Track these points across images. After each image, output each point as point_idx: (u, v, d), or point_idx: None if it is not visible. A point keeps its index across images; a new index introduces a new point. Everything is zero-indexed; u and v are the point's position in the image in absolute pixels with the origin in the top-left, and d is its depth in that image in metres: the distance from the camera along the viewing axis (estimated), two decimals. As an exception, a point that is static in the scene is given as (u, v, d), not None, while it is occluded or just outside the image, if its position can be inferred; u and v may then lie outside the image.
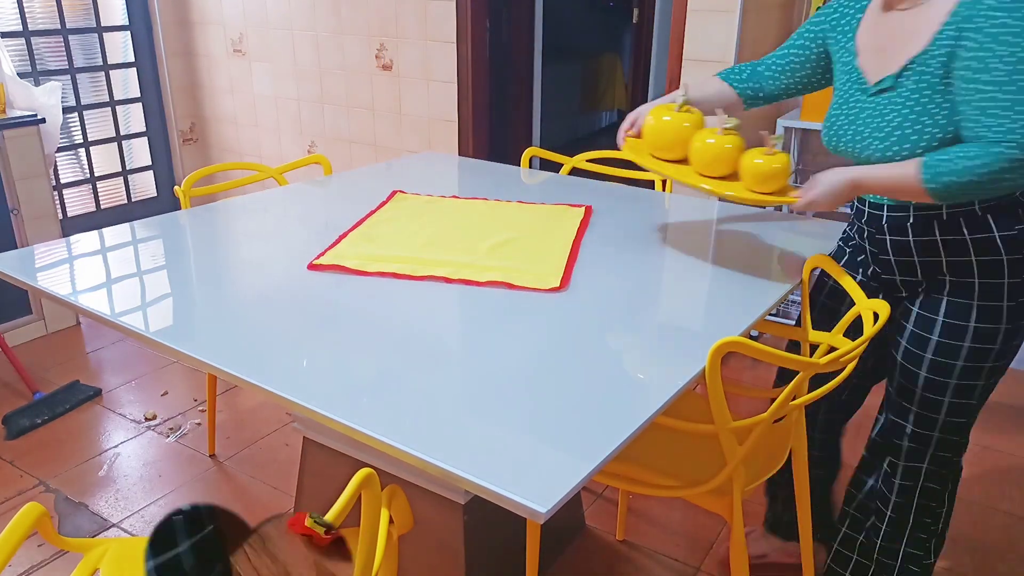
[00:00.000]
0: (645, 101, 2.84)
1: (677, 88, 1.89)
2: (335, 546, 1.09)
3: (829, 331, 1.55)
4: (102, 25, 3.93)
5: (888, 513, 1.64)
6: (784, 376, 1.79)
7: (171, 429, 2.63)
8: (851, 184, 1.39)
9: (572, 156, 2.48)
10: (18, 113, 3.08)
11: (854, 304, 1.47)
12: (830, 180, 1.40)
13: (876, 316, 1.34)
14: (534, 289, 1.51)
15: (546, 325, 1.40)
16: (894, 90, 1.37)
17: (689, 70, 2.70)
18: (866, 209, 1.51)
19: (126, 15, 4.02)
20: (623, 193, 2.19)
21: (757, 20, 2.72)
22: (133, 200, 4.27)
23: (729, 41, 2.60)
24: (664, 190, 2.33)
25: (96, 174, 4.08)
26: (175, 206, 2.36)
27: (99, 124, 4.05)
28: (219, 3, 3.97)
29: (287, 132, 4.02)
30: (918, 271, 1.46)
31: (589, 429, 1.07)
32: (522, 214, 1.94)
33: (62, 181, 3.94)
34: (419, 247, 1.71)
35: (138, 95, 4.16)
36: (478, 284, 1.53)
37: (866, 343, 1.29)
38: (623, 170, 2.38)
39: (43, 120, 3.08)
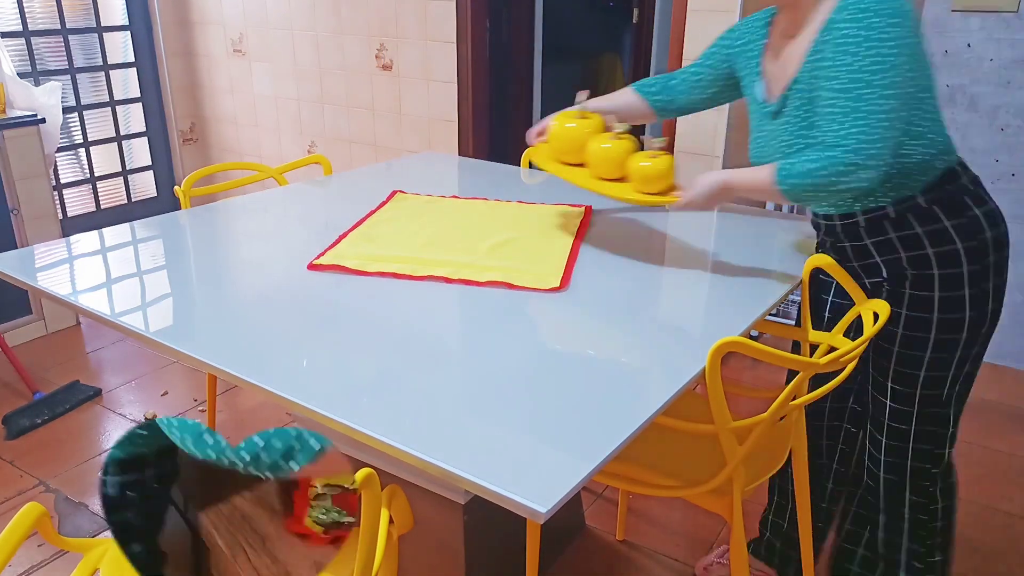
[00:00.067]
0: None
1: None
2: (335, 546, 1.09)
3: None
4: (102, 25, 3.94)
5: (881, 506, 1.64)
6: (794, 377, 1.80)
7: (171, 429, 2.63)
8: (722, 186, 1.47)
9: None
10: (18, 113, 3.08)
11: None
12: (705, 182, 1.49)
13: (876, 316, 1.35)
14: (534, 289, 1.51)
15: (546, 325, 1.40)
16: (783, 113, 1.46)
17: (689, 70, 2.70)
18: (820, 221, 1.56)
19: (126, 15, 4.02)
20: (623, 193, 2.18)
21: (757, 20, 2.72)
22: (133, 200, 4.27)
23: (729, 41, 2.59)
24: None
25: (96, 174, 4.08)
26: (175, 206, 2.36)
27: (99, 124, 4.05)
28: (219, 3, 3.97)
29: (287, 132, 4.02)
30: (883, 270, 1.49)
31: (589, 429, 1.07)
32: (522, 214, 1.94)
33: (62, 181, 3.94)
34: (419, 247, 1.71)
35: (138, 95, 4.16)
36: (478, 284, 1.53)
37: (866, 343, 1.29)
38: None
39: (43, 120, 3.08)
